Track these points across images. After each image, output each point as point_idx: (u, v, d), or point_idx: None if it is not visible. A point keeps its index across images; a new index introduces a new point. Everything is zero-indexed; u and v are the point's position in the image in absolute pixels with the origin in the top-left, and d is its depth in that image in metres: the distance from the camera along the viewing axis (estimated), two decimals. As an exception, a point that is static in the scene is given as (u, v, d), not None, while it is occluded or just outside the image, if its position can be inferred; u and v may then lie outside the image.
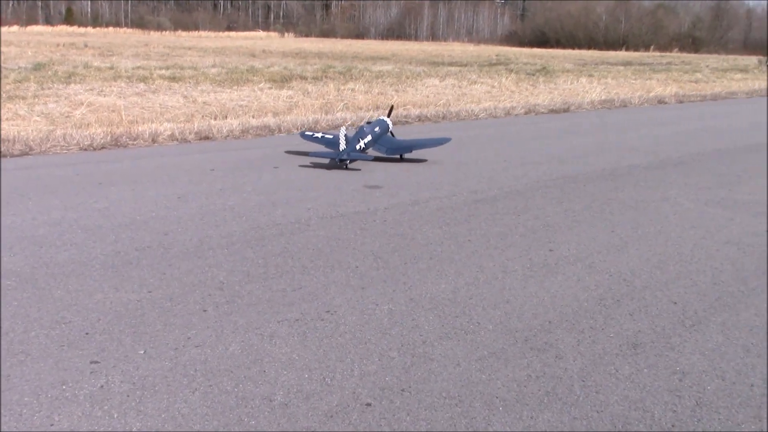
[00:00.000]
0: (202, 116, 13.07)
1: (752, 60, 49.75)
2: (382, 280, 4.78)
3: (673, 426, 3.15)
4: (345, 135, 8.85)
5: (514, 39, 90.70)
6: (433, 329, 4.03)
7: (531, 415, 3.19)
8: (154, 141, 10.12)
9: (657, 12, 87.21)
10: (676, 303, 4.59)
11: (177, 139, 10.36)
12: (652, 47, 76.59)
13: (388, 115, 10.20)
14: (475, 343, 3.88)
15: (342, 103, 15.66)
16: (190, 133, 10.63)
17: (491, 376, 3.53)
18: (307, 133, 10.05)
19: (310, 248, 5.38)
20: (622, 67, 36.74)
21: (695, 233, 6.24)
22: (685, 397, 3.40)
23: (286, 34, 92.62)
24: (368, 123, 9.82)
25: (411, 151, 9.53)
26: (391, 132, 9.86)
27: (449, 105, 16.39)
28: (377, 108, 15.01)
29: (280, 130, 11.63)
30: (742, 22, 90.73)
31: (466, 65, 34.09)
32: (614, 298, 4.63)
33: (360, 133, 9.21)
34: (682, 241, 5.99)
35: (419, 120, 13.79)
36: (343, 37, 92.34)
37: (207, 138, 10.68)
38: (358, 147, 8.96)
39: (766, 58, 44.11)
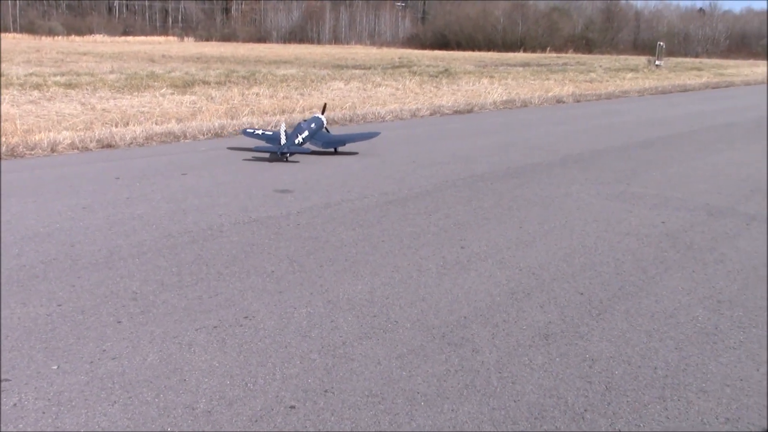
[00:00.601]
0: (103, 124, 12.68)
1: (642, 60, 52.04)
2: (299, 283, 4.79)
3: (585, 410, 3.30)
4: (285, 131, 9.76)
5: (415, 41, 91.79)
6: (353, 330, 4.08)
7: (452, 408, 3.28)
8: (53, 150, 9.78)
9: (552, 14, 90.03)
10: (582, 294, 4.79)
11: (78, 148, 10.04)
12: (548, 48, 79.02)
13: (322, 113, 11.15)
14: (395, 342, 3.95)
15: (248, 108, 15.51)
16: (91, 141, 10.31)
17: (411, 372, 3.60)
18: (248, 130, 10.69)
19: (224, 255, 5.34)
20: (521, 68, 37.76)
21: (597, 226, 6.52)
22: (595, 382, 3.57)
23: (185, 39, 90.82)
24: (305, 120, 10.85)
25: (344, 144, 10.46)
26: (326, 128, 10.84)
27: (355, 108, 16.47)
28: (283, 112, 14.96)
29: (185, 137, 11.43)
30: (631, 23, 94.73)
31: (369, 68, 34.30)
32: (525, 291, 4.80)
33: (298, 129, 10.16)
34: (585, 234, 6.25)
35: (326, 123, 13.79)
36: (245, 41, 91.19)
37: (110, 146, 10.39)
38: (296, 141, 9.88)
39: (655, 57, 46.21)
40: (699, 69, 44.38)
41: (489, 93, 21.09)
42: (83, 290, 4.53)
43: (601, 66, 43.54)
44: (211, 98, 17.68)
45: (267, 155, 9.62)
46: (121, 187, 7.61)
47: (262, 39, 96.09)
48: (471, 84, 25.13)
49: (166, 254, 5.29)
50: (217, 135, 11.78)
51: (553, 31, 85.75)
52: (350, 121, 14.33)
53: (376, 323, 4.18)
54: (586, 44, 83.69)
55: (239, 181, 8.09)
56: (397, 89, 22.39)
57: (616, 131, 13.88)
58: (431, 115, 16.13)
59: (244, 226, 6.13)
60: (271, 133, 10.29)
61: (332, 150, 10.27)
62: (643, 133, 13.58)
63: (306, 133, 10.11)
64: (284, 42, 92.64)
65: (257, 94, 19.00)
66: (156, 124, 12.64)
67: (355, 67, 35.51)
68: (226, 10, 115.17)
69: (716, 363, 3.83)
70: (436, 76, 28.36)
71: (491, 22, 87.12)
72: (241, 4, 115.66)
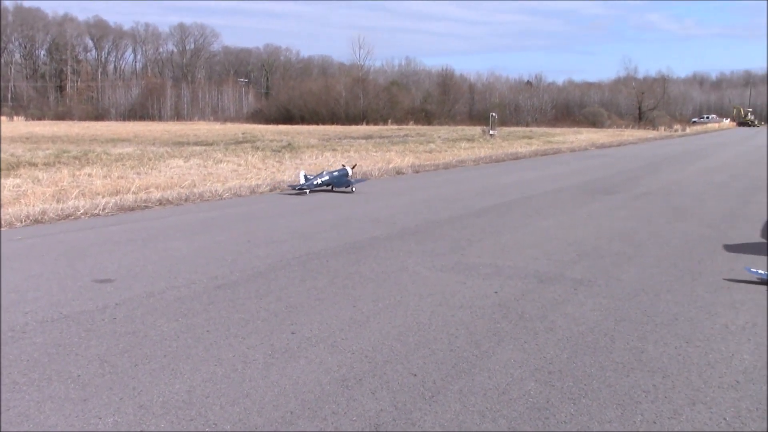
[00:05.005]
0: None
1: (477, 130, 54.67)
2: (108, 387, 4.32)
3: None
4: (305, 175, 15.32)
5: (259, 116, 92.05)
6: (164, 439, 3.68)
7: None
8: None
9: (391, 88, 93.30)
10: (416, 375, 4.63)
11: None
12: (389, 121, 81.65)
13: (352, 168, 16.62)
14: (211, 449, 3.58)
15: (77, 190, 14.63)
16: None
17: (227, 484, 3.25)
18: (308, 176, 15.53)
19: (23, 360, 4.77)
20: (363, 141, 38.51)
21: (432, 300, 6.44)
22: (426, 475, 3.36)
23: (15, 118, 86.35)
24: (330, 171, 16.20)
25: (350, 185, 15.50)
26: (354, 174, 16.58)
27: (194, 186, 15.98)
28: (117, 193, 14.22)
29: (-1, 225, 10.51)
30: (466, 95, 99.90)
31: (212, 144, 33.80)
32: (356, 377, 4.57)
33: (319, 175, 15.68)
34: (419, 310, 6.15)
35: (160, 203, 13.23)
36: (81, 119, 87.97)
37: None
38: (315, 183, 15.19)
39: (488, 127, 48.63)
40: (529, 137, 47.08)
41: (331, 166, 21.15)
42: None
43: (439, 137, 45.25)
44: (38, 181, 16.60)
45: (294, 191, 14.87)
46: None
47: (99, 117, 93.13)
48: (314, 158, 25.23)
49: (-47, 365, 4.66)
50: (36, 221, 10.94)
51: (394, 104, 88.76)
52: (186, 200, 13.80)
53: (191, 428, 3.80)
54: (425, 116, 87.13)
55: (55, 272, 7.44)
56: (239, 165, 22.07)
57: (453, 201, 14.20)
58: (271, 191, 15.87)
59: (51, 324, 5.55)
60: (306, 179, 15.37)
61: (350, 189, 15.39)
62: (478, 202, 13.96)
63: (326, 177, 15.48)
64: (123, 119, 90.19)
65: (89, 175, 18.09)
66: (-31, 211, 11.60)
67: (196, 143, 34.89)
68: (61, 88, 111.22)
69: (548, 441, 3.74)
70: (279, 151, 28.31)
71: (334, 96, 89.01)
72: (77, 81, 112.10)
